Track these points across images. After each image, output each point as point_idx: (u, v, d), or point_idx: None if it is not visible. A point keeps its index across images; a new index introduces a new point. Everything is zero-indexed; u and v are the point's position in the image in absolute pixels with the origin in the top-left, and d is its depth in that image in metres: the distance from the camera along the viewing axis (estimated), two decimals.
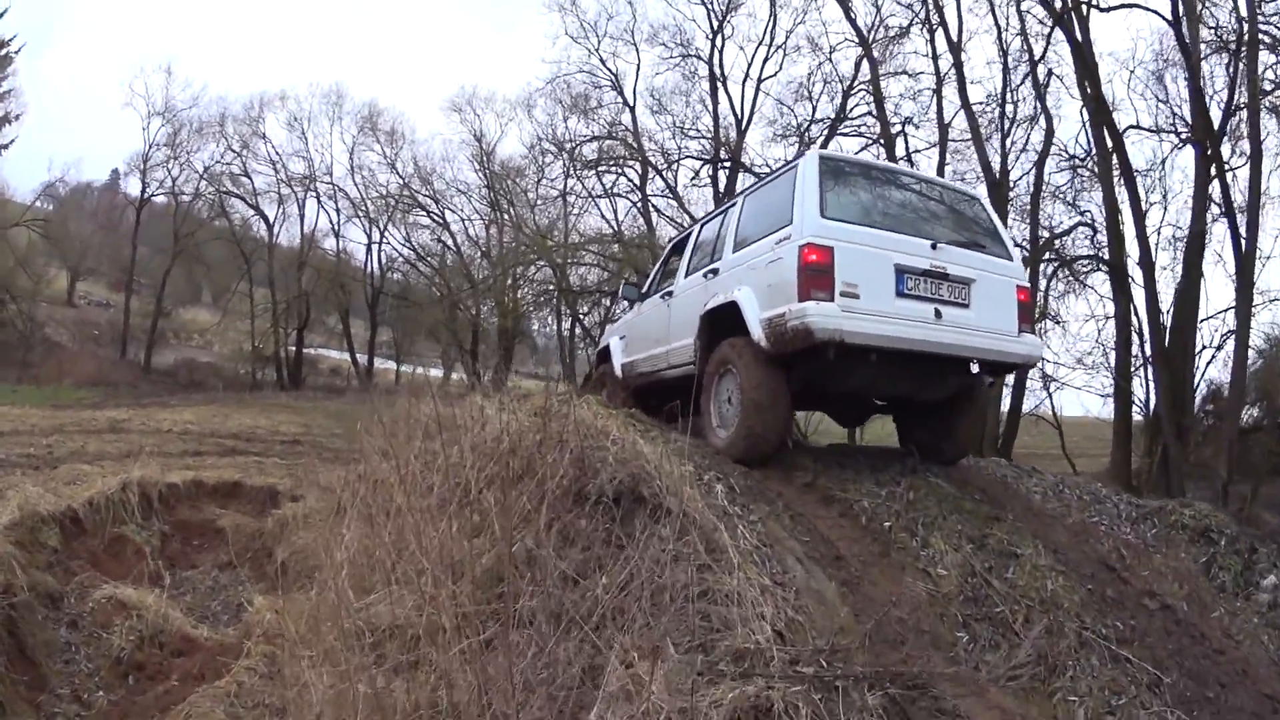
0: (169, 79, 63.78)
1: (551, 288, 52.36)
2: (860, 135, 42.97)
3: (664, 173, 47.36)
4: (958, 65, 35.92)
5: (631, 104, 49.36)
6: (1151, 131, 32.65)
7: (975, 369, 10.43)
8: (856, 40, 41.06)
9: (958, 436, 11.35)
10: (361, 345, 65.27)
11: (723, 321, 10.78)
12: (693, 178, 47.77)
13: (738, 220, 11.52)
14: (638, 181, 49.88)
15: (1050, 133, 34.79)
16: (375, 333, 64.53)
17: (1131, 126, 32.09)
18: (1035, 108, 35.80)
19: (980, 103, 36.51)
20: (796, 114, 44.85)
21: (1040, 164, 34.65)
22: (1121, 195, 30.83)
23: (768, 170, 36.57)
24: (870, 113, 41.84)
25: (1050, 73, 34.73)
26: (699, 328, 11.31)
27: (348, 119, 60.73)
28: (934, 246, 10.00)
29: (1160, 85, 32.41)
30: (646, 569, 7.13)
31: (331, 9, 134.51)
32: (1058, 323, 35.30)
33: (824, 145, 40.88)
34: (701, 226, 13.20)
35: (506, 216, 57.81)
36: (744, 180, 41.43)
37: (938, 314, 9.82)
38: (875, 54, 40.33)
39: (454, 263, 61.65)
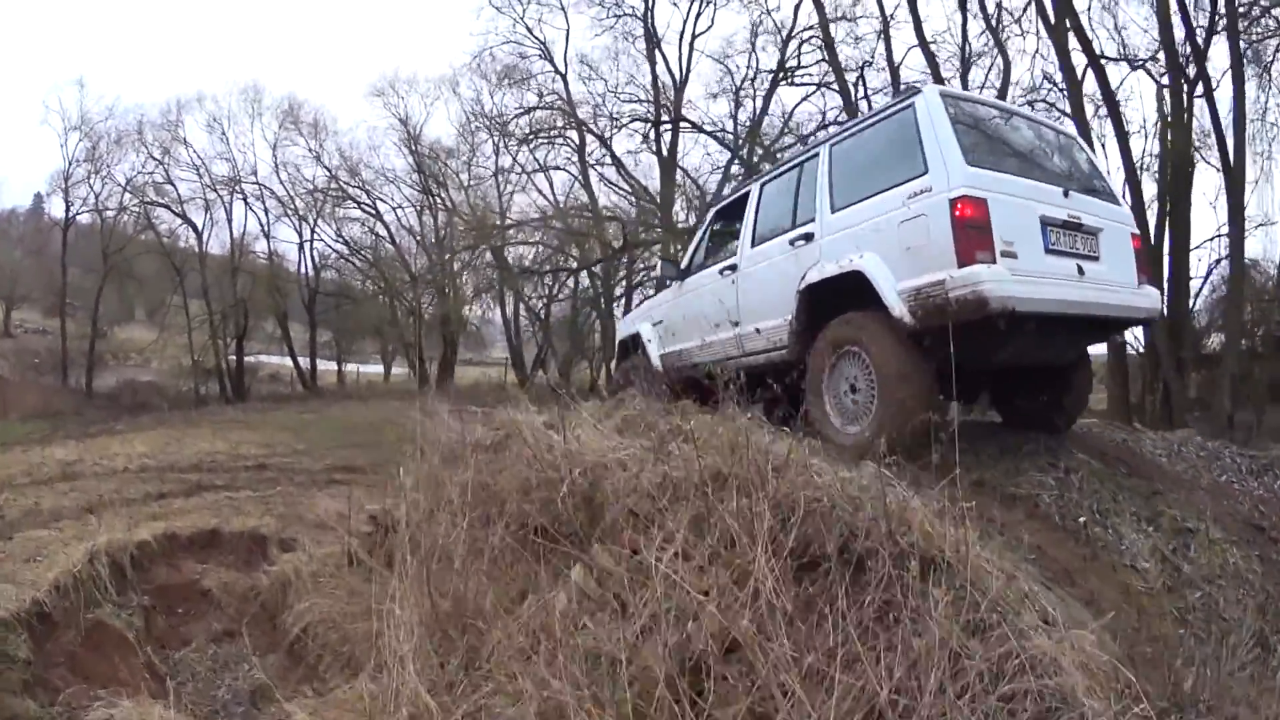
0: (83, 92, 61.83)
1: (493, 271, 51.86)
2: (805, 85, 42.78)
3: (604, 139, 46.55)
4: (912, 3, 34.14)
5: (563, 72, 48.33)
6: (1123, 60, 32.00)
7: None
8: None
9: (1073, 403, 10.45)
10: (301, 348, 62.03)
11: (832, 295, 9.29)
12: (642, 142, 47.04)
13: (828, 174, 9.81)
14: (575, 152, 49.30)
15: (1007, 69, 34.20)
16: (315, 334, 61.15)
17: (1103, 56, 30.73)
18: (989, 44, 35.17)
19: (932, 41, 35.28)
20: (735, 68, 44.49)
21: (1001, 97, 32.17)
22: (1098, 128, 30.43)
23: (719, 128, 40.94)
24: (821, 59, 40.73)
25: (1000, 5, 33.95)
26: (797, 304, 9.74)
27: (268, 115, 58.73)
28: (1065, 194, 8.88)
29: (1110, 14, 32.34)
30: (926, 644, 5.14)
31: (241, 3, 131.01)
32: None
33: (767, 97, 41.74)
34: (763, 185, 11.33)
35: (440, 200, 57.07)
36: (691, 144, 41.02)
37: (1080, 270, 8.72)
38: None
39: (389, 254, 60.44)
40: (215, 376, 57.95)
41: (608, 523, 6.88)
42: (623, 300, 49.29)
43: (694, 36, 45.86)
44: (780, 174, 11.13)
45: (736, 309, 10.94)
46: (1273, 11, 28.40)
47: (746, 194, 11.53)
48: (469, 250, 52.01)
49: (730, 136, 44.40)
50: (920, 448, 6.61)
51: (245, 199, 59.63)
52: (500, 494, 7.98)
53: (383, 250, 60.08)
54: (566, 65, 47.88)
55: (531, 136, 48.36)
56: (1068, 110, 30.00)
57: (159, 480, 20.28)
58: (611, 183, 49.03)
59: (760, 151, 42.25)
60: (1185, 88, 28.62)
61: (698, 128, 44.48)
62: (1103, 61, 30.43)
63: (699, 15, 45.72)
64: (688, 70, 46.35)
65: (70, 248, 58.87)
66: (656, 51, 46.00)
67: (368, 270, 60.40)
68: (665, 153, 46.07)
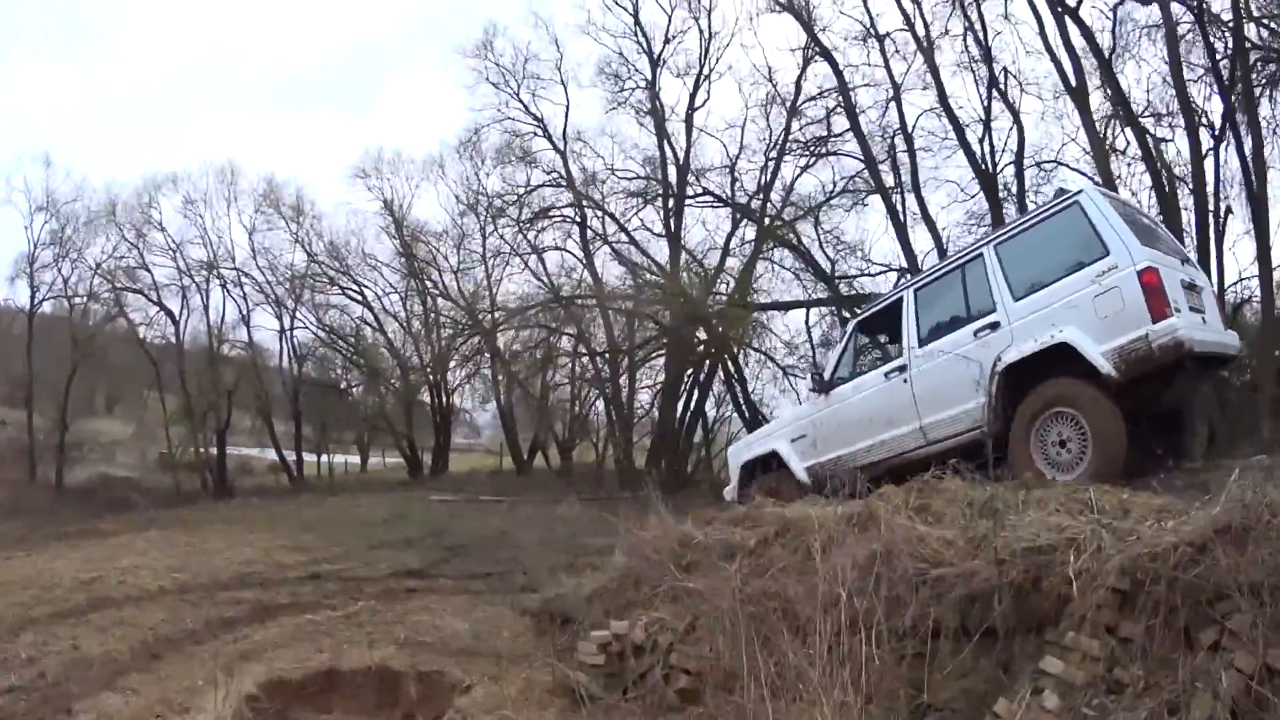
0: (49, 170, 54.35)
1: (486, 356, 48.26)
2: (824, 155, 39.65)
3: (615, 216, 43.54)
4: (933, 69, 33.58)
5: (562, 149, 44.56)
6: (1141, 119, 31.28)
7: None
8: (816, 53, 37.64)
9: (1194, 432, 12.45)
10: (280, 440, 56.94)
11: (1028, 371, 10.79)
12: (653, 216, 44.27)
13: (1000, 270, 11.39)
14: (577, 231, 45.32)
15: (1020, 129, 33.38)
16: (300, 426, 55.85)
17: (1115, 115, 31.65)
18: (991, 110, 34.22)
19: (934, 109, 34.97)
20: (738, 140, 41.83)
21: (1019, 160, 33.17)
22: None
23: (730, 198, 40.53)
24: (829, 133, 39.07)
25: (1005, 70, 33.57)
26: (995, 384, 11.02)
27: (245, 197, 54.04)
28: (1183, 263, 11.29)
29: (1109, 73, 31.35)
30: None
31: (215, 82, 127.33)
32: None
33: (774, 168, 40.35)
34: (916, 291, 12.70)
35: (430, 285, 53.07)
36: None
37: (1204, 320, 10.81)
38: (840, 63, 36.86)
39: (374, 341, 55.20)
40: (196, 471, 52.85)
41: (1082, 605, 6.96)
42: (625, 374, 46.22)
43: (691, 110, 43.08)
44: (935, 279, 12.55)
45: (914, 404, 11.91)
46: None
47: (897, 302, 12.74)
48: (465, 338, 48.22)
49: (743, 206, 41.88)
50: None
51: (224, 285, 54.60)
52: (798, 599, 8.41)
53: (369, 337, 55.87)
54: (566, 142, 44.51)
55: (539, 216, 45.09)
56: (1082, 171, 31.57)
57: (210, 603, 16.24)
58: (624, 259, 45.30)
59: (781, 222, 40.26)
60: (1210, 142, 29.18)
61: (722, 199, 41.90)
62: (1114, 120, 31.46)
63: (698, 89, 42.96)
64: (689, 144, 43.02)
65: (35, 335, 54.15)
66: (664, 125, 43.11)
67: (353, 358, 55.67)
68: (671, 229, 43.43)
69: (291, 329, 55.08)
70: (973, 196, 34.75)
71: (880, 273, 37.52)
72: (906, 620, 7.67)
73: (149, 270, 53.51)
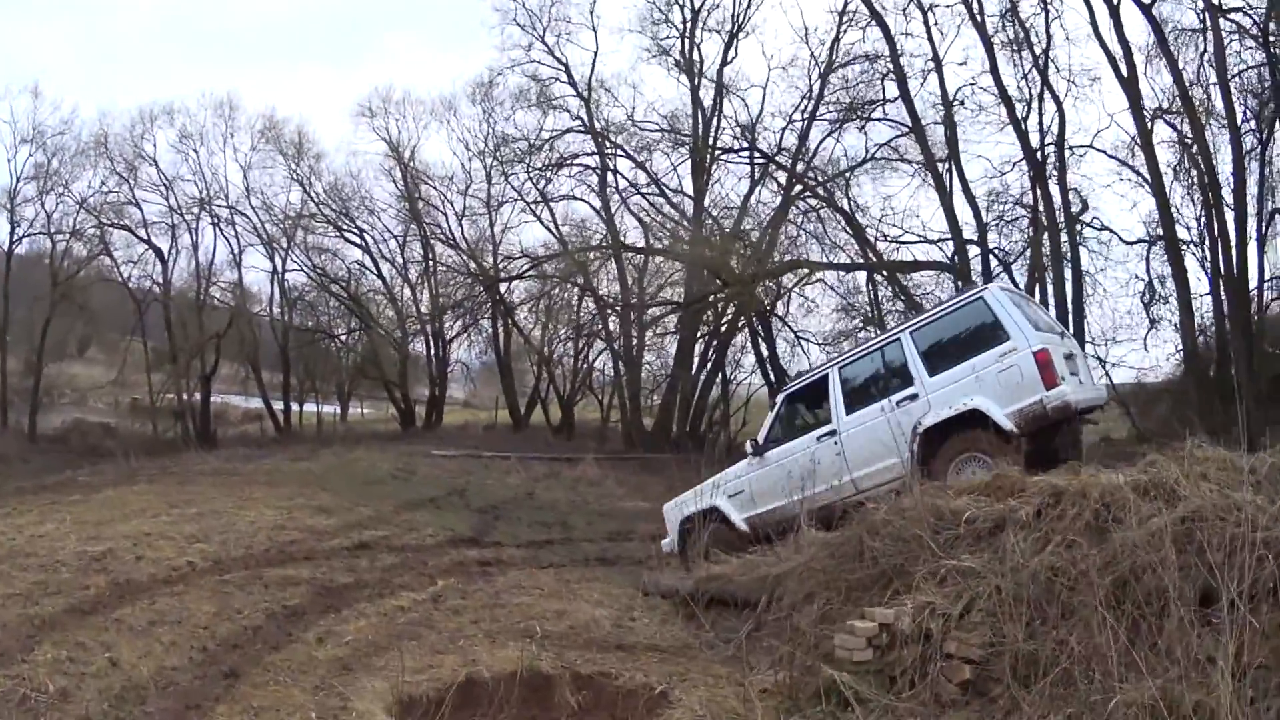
0: (36, 101, 49.71)
1: (484, 303, 47.03)
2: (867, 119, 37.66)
3: (643, 164, 41.09)
4: (987, 44, 32.26)
5: (587, 96, 41.86)
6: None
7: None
8: (866, 18, 35.49)
9: (1077, 447, 13.78)
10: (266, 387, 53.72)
11: (944, 429, 12.54)
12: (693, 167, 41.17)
13: (916, 352, 13.21)
14: (593, 181, 43.52)
15: (1062, 116, 32.21)
16: (289, 374, 52.16)
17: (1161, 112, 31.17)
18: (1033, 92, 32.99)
19: (972, 83, 33.81)
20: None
21: (1060, 143, 32.14)
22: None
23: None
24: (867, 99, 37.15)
25: (1046, 54, 32.19)
26: (915, 443, 12.60)
27: (242, 134, 49.84)
28: (1062, 337, 13.73)
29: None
30: None
31: (215, 19, 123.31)
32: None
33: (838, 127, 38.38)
34: (840, 368, 14.40)
35: (434, 230, 49.76)
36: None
37: (1080, 381, 13.05)
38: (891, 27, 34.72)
39: (369, 287, 51.85)
40: (178, 419, 48.90)
41: None
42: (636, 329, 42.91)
43: (723, 66, 40.35)
44: (858, 358, 14.57)
45: (845, 463, 13.54)
46: None
47: (823, 378, 14.53)
48: (485, 285, 45.20)
49: (784, 166, 39.30)
50: None
51: (216, 223, 50.76)
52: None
53: (363, 283, 52.52)
54: (590, 89, 41.80)
55: (560, 164, 42.62)
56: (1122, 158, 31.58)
57: (259, 584, 13.47)
58: (638, 212, 43.36)
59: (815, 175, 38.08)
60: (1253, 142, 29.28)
61: (768, 158, 38.97)
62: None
63: (730, 46, 40.24)
64: (718, 101, 40.66)
65: (9, 274, 49.56)
66: (698, 77, 40.66)
67: (348, 304, 51.66)
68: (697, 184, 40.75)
69: (284, 271, 51.58)
70: (1004, 173, 33.63)
71: (915, 241, 36.01)
72: (1233, 590, 7.17)
73: (139, 206, 49.30)
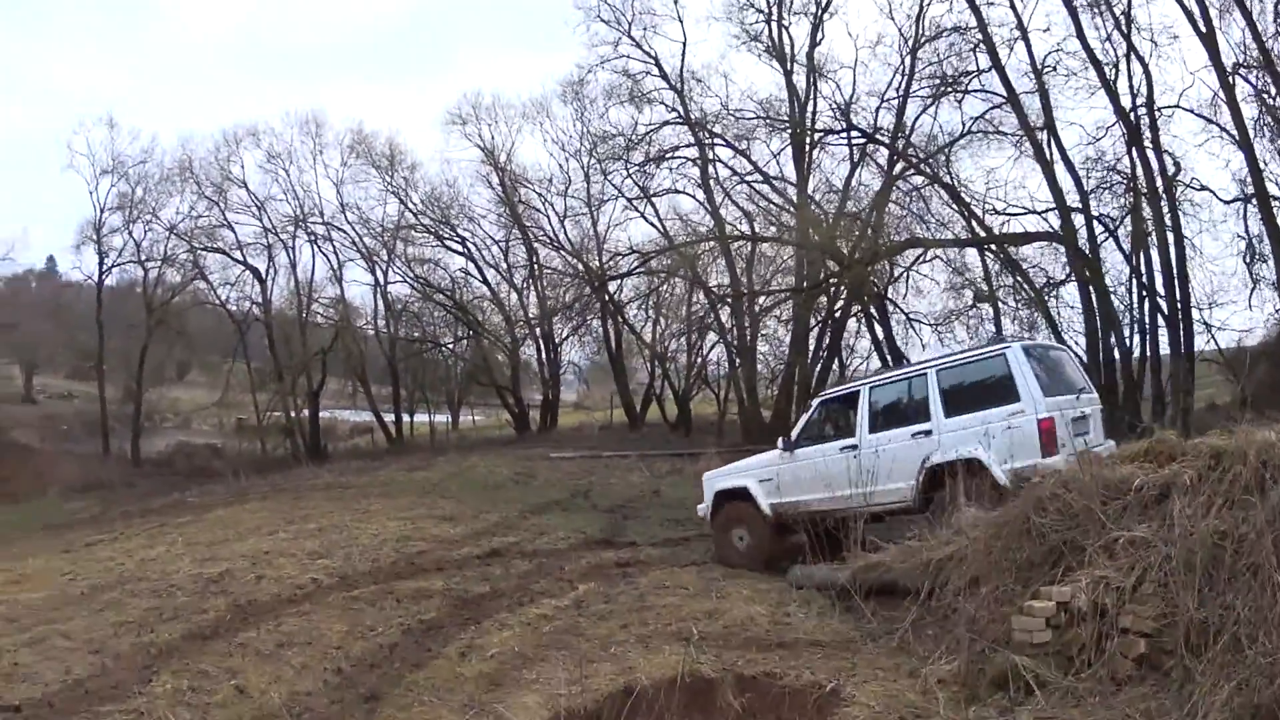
0: (113, 132, 49.93)
1: (593, 303, 45.91)
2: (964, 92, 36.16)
3: (744, 151, 39.60)
4: (1071, 10, 30.76)
5: (679, 87, 40.45)
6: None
7: None
8: None
9: None
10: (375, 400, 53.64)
11: (944, 470, 13.24)
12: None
13: (938, 391, 13.95)
14: (694, 173, 41.68)
15: (1148, 76, 30.81)
16: (398, 386, 51.82)
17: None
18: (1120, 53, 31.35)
19: (1059, 49, 32.13)
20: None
21: (1150, 104, 30.72)
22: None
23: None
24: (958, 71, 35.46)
25: (1127, 14, 30.65)
26: (921, 476, 13.60)
27: (331, 150, 49.71)
28: (1078, 398, 14.04)
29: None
30: None
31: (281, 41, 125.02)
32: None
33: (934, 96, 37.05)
34: (871, 388, 15.08)
35: (537, 233, 48.93)
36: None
37: (1085, 443, 12.88)
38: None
39: (475, 295, 51.31)
40: (287, 436, 48.92)
41: None
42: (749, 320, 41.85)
43: (812, 49, 39.08)
44: (888, 383, 15.16)
45: (861, 476, 14.10)
46: None
47: (855, 394, 15.28)
48: (592, 284, 44.60)
49: (886, 142, 37.70)
50: None
51: (313, 240, 50.63)
52: None
53: (468, 290, 51.78)
54: (683, 81, 40.63)
55: (660, 158, 41.13)
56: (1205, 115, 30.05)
57: (390, 599, 13.22)
58: (741, 200, 41.80)
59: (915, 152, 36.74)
60: None
61: (867, 136, 37.40)
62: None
63: (817, 28, 38.83)
64: (811, 84, 39.32)
65: (94, 304, 50.50)
66: (789, 61, 39.23)
67: (454, 312, 51.14)
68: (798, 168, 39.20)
69: (386, 283, 51.50)
70: (1098, 139, 32.09)
71: (1021, 213, 34.42)
72: None
73: (231, 229, 49.52)
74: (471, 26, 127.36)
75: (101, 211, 48.46)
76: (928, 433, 13.74)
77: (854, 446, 14.56)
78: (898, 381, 14.96)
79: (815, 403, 16.71)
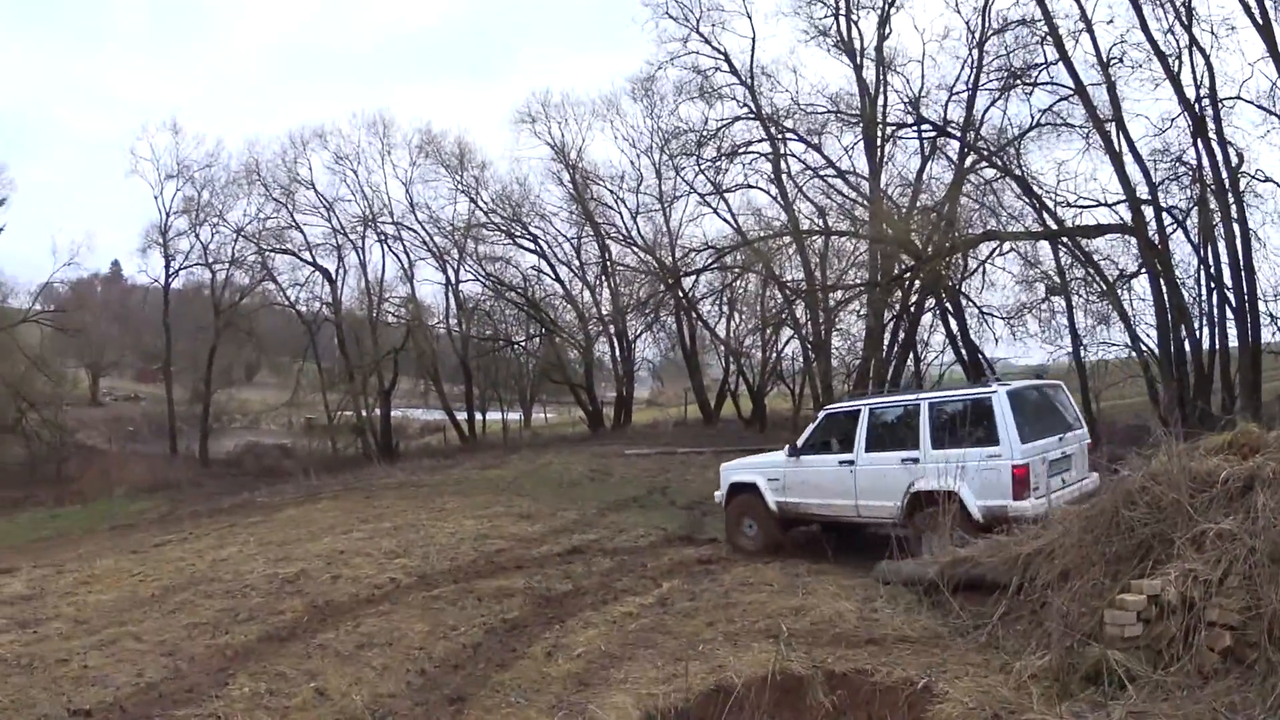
0: (177, 137, 50.88)
1: (667, 299, 45.86)
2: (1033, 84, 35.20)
3: (816, 146, 39.55)
4: (1134, 1, 29.62)
5: (749, 82, 39.87)
6: None
7: None
8: None
9: None
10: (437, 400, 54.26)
11: (930, 496, 14.07)
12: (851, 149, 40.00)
13: (929, 421, 14.95)
14: (765, 168, 41.34)
15: (1210, 68, 29.83)
16: (471, 383, 52.26)
17: None
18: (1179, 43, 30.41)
19: (1123, 40, 31.23)
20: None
21: (1213, 97, 29.85)
22: None
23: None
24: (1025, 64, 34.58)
25: (1188, 5, 29.69)
26: (907, 498, 14.54)
27: (399, 151, 50.27)
28: (1060, 439, 14.77)
29: None
30: None
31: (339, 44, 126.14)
32: None
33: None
34: (871, 410, 16.11)
35: (610, 230, 49.06)
36: None
37: (1063, 481, 14.30)
38: None
39: (547, 292, 51.28)
40: (358, 435, 49.28)
41: None
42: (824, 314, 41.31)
43: (881, 42, 38.42)
44: (887, 406, 16.20)
45: (855, 490, 15.52)
46: None
47: (857, 412, 16.24)
48: (666, 281, 44.63)
49: (958, 135, 36.98)
50: None
51: (383, 240, 51.20)
52: None
53: (541, 288, 51.88)
54: (753, 76, 40.04)
55: (733, 153, 40.98)
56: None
57: (471, 598, 13.13)
58: (814, 195, 41.54)
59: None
60: None
61: (938, 129, 36.90)
62: None
63: (885, 22, 38.10)
64: (880, 78, 38.65)
65: (161, 307, 51.38)
66: (858, 55, 38.67)
67: (526, 310, 51.29)
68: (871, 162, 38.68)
69: (458, 282, 51.74)
70: (1163, 130, 31.34)
71: (1091, 205, 33.58)
72: None
73: (300, 230, 50.16)
74: (533, 26, 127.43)
75: (167, 215, 49.26)
76: (916, 460, 14.83)
77: (851, 462, 15.81)
78: (895, 407, 16.21)
79: (821, 415, 17.83)
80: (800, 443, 16.89)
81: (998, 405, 14.08)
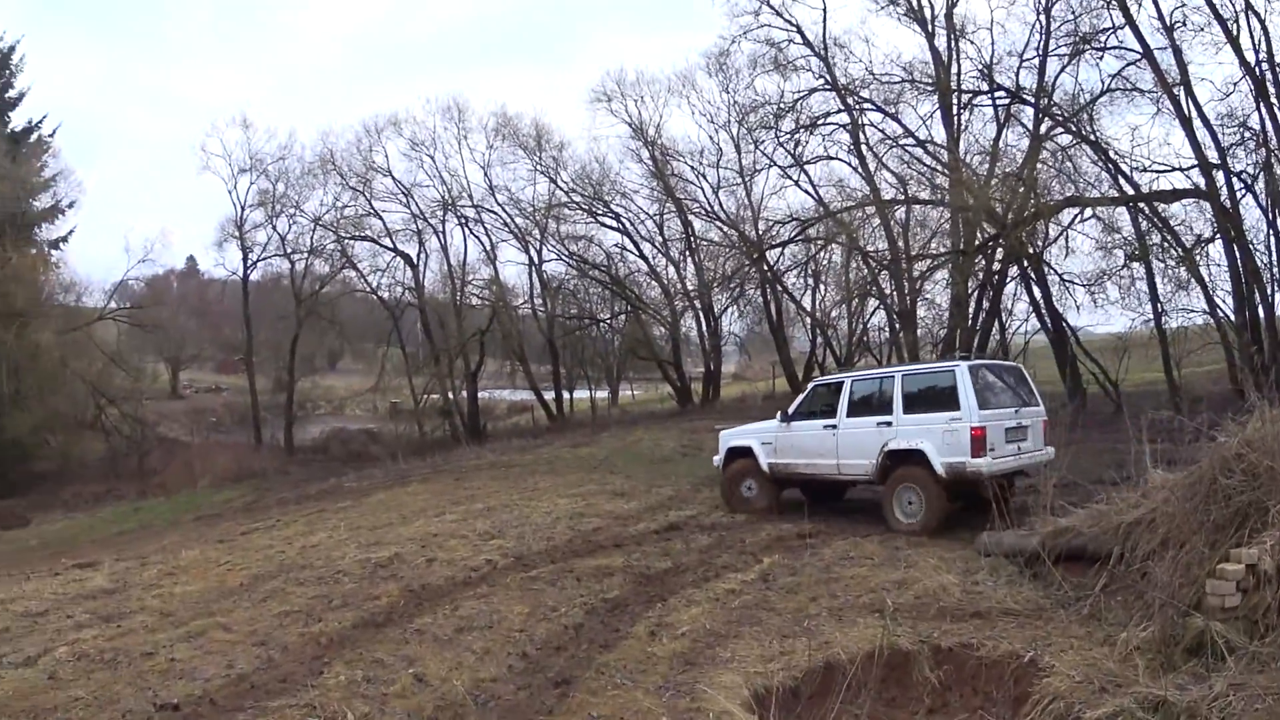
0: (248, 132, 53.28)
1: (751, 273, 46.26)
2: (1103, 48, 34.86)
3: (894, 115, 39.12)
4: None
5: (824, 54, 39.36)
6: None
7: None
8: None
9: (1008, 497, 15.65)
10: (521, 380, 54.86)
11: (902, 455, 16.35)
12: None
13: (901, 392, 16.76)
14: (843, 138, 41.08)
15: (1266, 32, 29.71)
16: (558, 362, 52.72)
17: None
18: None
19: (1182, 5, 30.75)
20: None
21: (1271, 63, 29.65)
22: None
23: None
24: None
25: None
26: (880, 456, 16.57)
27: (475, 134, 51.75)
28: (1016, 412, 16.59)
29: None
30: None
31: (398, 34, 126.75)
32: None
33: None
34: (853, 382, 18.16)
35: (692, 205, 49.37)
36: None
37: (1019, 450, 16.28)
38: None
39: (633, 268, 51.61)
40: (445, 418, 49.62)
41: None
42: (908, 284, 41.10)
43: (951, 8, 37.93)
44: (866, 379, 18.11)
45: (837, 450, 17.45)
46: None
47: (840, 383, 18.24)
48: (749, 255, 45.02)
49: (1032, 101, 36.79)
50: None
51: (464, 223, 51.78)
52: None
53: (625, 265, 52.47)
54: (826, 47, 39.44)
55: (812, 125, 40.69)
56: None
57: (570, 577, 12.99)
58: (893, 165, 41.05)
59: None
60: None
61: (1013, 95, 36.74)
62: None
63: None
64: (952, 46, 38.24)
65: (239, 299, 52.49)
66: (930, 22, 38.27)
67: (612, 288, 52.03)
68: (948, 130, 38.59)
69: (540, 262, 52.28)
70: (1228, 95, 31.17)
71: (1165, 170, 33.21)
72: None
73: (379, 217, 51.18)
74: (602, 6, 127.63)
75: (242, 209, 50.26)
76: (889, 423, 16.74)
77: (834, 426, 17.71)
78: (873, 379, 18.10)
79: (810, 386, 19.87)
80: (791, 410, 18.91)
81: (960, 376, 16.03)
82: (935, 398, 16.43)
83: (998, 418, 16.10)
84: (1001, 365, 19.31)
